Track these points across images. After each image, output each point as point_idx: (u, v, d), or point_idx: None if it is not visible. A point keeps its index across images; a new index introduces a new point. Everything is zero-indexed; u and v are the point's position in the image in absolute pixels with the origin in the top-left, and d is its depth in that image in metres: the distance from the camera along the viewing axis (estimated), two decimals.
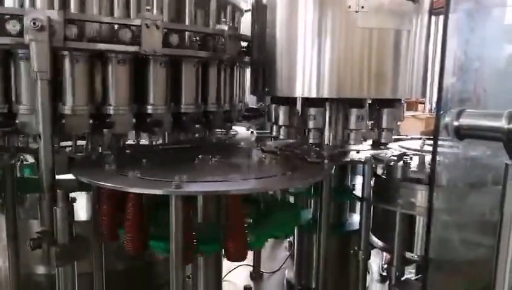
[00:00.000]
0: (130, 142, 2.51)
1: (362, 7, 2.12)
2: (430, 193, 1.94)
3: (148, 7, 2.18)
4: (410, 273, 2.65)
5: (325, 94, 2.23)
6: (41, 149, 1.84)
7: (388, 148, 2.61)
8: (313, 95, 2.25)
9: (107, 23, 2.02)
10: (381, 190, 2.38)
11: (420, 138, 3.03)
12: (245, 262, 3.38)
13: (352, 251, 2.47)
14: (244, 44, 2.71)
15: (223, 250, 1.87)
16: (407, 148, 2.67)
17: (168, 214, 1.63)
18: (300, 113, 2.47)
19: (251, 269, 3.45)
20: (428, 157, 2.27)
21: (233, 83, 2.73)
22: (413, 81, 2.32)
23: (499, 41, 1.86)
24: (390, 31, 2.20)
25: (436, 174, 1.83)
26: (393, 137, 2.56)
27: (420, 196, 2.18)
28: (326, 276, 2.21)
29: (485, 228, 1.64)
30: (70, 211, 1.81)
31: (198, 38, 2.31)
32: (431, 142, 2.78)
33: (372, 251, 2.53)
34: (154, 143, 2.49)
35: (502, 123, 1.35)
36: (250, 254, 3.26)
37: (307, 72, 2.24)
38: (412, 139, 3.08)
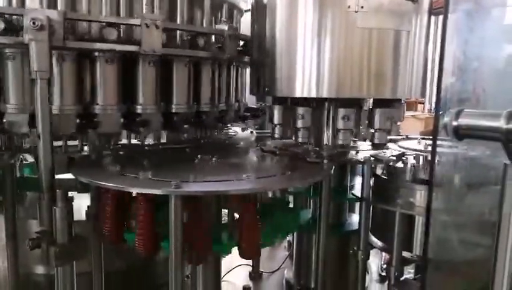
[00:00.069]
0: (132, 142, 2.51)
1: (362, 7, 2.12)
2: (429, 193, 1.95)
3: (146, 6, 2.18)
4: (409, 273, 2.65)
5: (325, 94, 2.23)
6: (40, 149, 1.83)
7: (387, 148, 2.61)
8: (313, 95, 2.25)
9: (106, 22, 2.02)
10: (381, 190, 2.38)
11: (416, 138, 3.03)
12: (244, 262, 3.40)
13: (351, 251, 2.47)
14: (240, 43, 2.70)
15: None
16: (406, 148, 2.67)
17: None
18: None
19: (250, 269, 3.45)
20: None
21: (229, 83, 2.72)
22: (413, 81, 2.32)
23: (498, 42, 1.86)
24: (390, 31, 2.20)
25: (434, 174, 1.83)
26: (390, 137, 2.55)
27: (419, 196, 2.18)
28: (325, 276, 2.21)
29: (484, 228, 1.64)
30: (70, 211, 1.81)
31: (190, 37, 2.30)
32: (427, 142, 2.81)
33: (371, 251, 2.54)
34: (153, 143, 2.49)
35: (501, 123, 1.35)
36: None
37: (306, 72, 2.24)
38: (407, 139, 3.07)
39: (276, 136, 2.54)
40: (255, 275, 3.42)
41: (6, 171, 2.13)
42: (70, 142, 2.29)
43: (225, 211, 2.12)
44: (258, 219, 1.86)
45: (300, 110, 2.37)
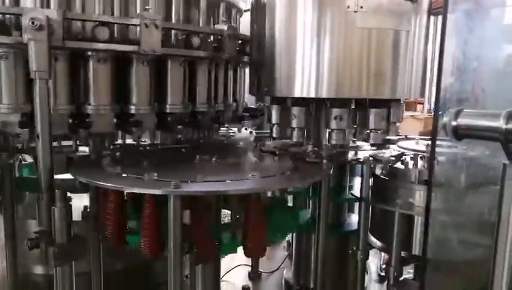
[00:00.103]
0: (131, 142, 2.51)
1: (361, 7, 2.12)
2: (428, 194, 1.95)
3: (147, 7, 2.18)
4: (408, 273, 2.65)
5: (324, 94, 2.23)
6: (39, 149, 1.83)
7: (386, 148, 2.61)
8: (312, 95, 2.25)
9: (106, 22, 2.01)
10: (380, 190, 2.38)
11: (414, 138, 3.03)
12: (243, 262, 3.40)
13: (350, 251, 2.47)
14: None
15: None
16: (405, 148, 2.67)
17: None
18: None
19: (249, 269, 3.45)
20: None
21: (227, 83, 2.71)
22: (412, 81, 2.32)
23: (498, 42, 1.86)
24: (389, 31, 2.20)
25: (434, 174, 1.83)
26: (389, 137, 2.54)
27: (418, 196, 2.18)
28: (324, 276, 2.21)
29: (483, 228, 1.64)
30: (68, 211, 1.81)
31: (185, 36, 2.29)
32: (425, 142, 2.81)
33: (370, 251, 2.54)
34: (153, 143, 2.49)
35: (500, 123, 1.35)
36: None
37: (306, 72, 2.24)
38: (406, 139, 3.07)
39: (275, 135, 2.54)
40: (254, 275, 3.42)
41: (5, 171, 2.12)
42: (65, 142, 2.29)
43: (224, 211, 2.12)
44: (264, 218, 1.87)
45: (295, 110, 2.37)
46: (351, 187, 2.72)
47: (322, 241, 2.18)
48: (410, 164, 2.31)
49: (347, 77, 2.20)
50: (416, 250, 2.31)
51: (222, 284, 2.45)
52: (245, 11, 2.98)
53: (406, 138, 3.08)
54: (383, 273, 3.23)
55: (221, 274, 2.55)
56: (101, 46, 2.00)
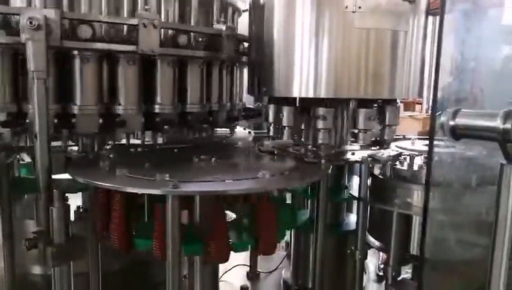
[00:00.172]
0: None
1: (359, 7, 2.12)
2: (426, 193, 1.95)
3: (147, 7, 2.18)
4: (406, 273, 2.66)
5: (322, 94, 2.23)
6: (37, 149, 1.82)
7: (386, 148, 2.61)
8: (310, 95, 2.25)
9: (106, 22, 2.01)
10: (378, 189, 2.38)
11: (410, 138, 3.03)
12: (242, 262, 3.40)
13: (349, 251, 2.46)
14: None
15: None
16: (403, 148, 2.67)
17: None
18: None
19: (248, 269, 3.45)
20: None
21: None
22: (410, 81, 2.32)
23: (496, 42, 1.87)
24: (387, 31, 2.20)
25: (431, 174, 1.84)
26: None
27: (416, 196, 2.18)
28: (323, 276, 2.21)
29: (481, 227, 1.65)
30: (67, 211, 1.80)
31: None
32: (422, 142, 2.81)
33: (368, 251, 2.54)
34: (151, 143, 2.48)
35: (497, 123, 1.36)
36: (247, 254, 3.28)
37: (304, 73, 2.24)
38: (404, 139, 3.07)
39: (271, 134, 2.54)
40: (253, 275, 3.42)
41: (3, 171, 2.12)
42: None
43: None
44: (274, 216, 1.88)
45: (284, 109, 2.37)
46: (349, 187, 2.73)
47: (320, 241, 2.18)
48: (416, 165, 2.30)
49: (345, 77, 2.20)
50: (414, 250, 2.31)
51: (220, 284, 2.45)
52: (243, 11, 2.98)
53: (404, 138, 3.09)
54: (381, 273, 3.23)
55: (220, 274, 2.55)
56: (102, 46, 1.99)
